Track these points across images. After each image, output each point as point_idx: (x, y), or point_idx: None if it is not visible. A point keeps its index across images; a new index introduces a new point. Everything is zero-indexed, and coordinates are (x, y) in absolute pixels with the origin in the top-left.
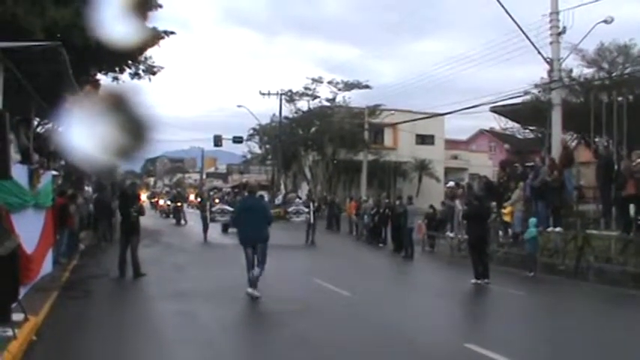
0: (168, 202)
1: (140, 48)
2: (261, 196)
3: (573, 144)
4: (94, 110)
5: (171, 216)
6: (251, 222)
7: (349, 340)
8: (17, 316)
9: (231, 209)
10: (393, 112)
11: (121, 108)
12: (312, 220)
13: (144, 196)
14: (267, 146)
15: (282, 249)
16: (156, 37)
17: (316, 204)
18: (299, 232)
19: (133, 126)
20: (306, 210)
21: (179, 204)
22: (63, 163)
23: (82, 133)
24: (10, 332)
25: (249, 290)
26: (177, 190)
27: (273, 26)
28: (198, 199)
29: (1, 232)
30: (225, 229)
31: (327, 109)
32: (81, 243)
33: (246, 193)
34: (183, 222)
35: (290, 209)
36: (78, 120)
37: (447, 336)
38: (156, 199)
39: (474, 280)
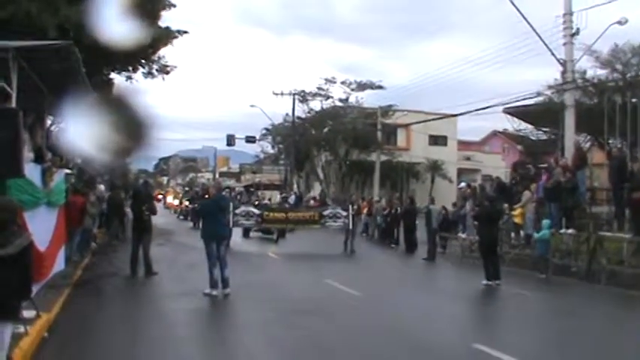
0: (187, 203)
1: (153, 47)
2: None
3: (586, 145)
4: (105, 110)
5: (189, 218)
6: (219, 219)
7: (359, 340)
8: (29, 313)
9: (257, 212)
10: (405, 112)
11: (130, 108)
12: (350, 226)
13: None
14: (280, 146)
15: (304, 257)
16: (169, 36)
17: (355, 206)
18: (333, 238)
19: (141, 126)
20: (344, 214)
21: (197, 205)
22: (79, 161)
23: (93, 132)
24: (21, 329)
25: (214, 292)
26: (195, 190)
27: (286, 27)
28: None
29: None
30: (246, 233)
31: (339, 110)
32: (95, 241)
33: (214, 192)
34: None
35: (326, 212)
36: (89, 119)
37: (456, 336)
38: (163, 196)
39: (485, 282)
